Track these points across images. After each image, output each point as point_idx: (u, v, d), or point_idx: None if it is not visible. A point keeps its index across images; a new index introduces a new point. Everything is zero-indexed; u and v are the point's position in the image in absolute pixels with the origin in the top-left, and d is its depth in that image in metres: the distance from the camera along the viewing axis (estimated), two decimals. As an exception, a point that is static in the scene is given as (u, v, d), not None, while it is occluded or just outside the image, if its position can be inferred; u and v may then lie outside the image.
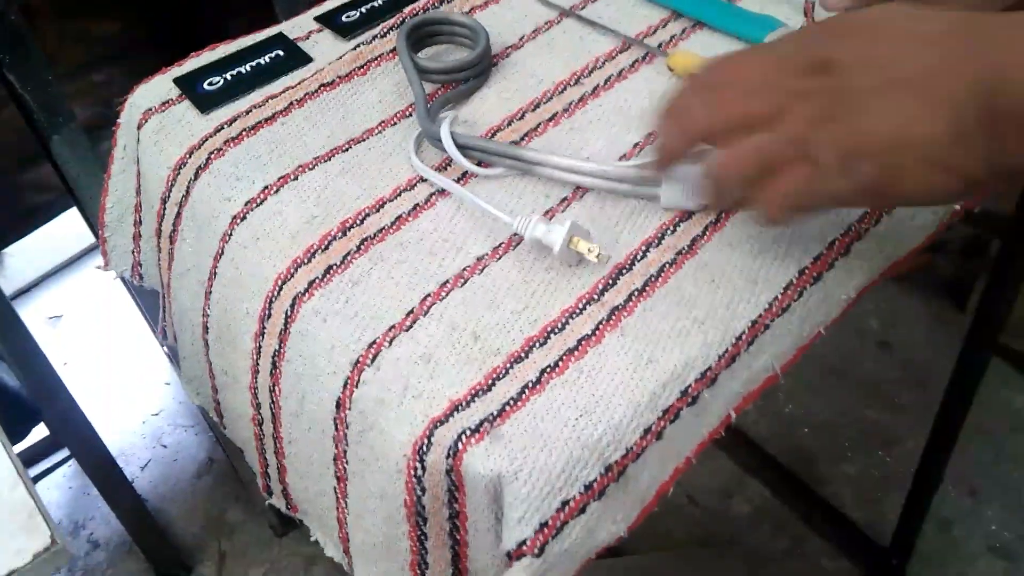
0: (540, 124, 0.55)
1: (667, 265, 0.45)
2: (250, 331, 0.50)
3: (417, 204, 0.51)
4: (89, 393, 1.19)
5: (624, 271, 0.45)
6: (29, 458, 1.37)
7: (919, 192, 0.35)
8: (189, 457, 1.48)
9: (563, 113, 0.56)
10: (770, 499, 1.27)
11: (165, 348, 0.76)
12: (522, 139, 0.54)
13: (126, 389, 1.58)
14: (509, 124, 0.55)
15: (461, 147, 0.52)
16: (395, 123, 0.57)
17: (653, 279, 0.44)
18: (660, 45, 0.60)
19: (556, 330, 0.43)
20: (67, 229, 1.47)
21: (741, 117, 0.38)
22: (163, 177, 0.56)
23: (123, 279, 0.67)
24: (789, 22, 0.58)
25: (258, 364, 0.50)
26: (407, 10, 0.65)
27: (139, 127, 0.59)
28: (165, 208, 0.57)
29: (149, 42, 1.28)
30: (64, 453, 1.38)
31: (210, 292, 0.53)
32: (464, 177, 0.52)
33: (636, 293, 0.44)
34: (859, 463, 1.31)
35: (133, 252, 0.64)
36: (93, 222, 0.89)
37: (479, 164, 0.52)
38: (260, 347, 0.49)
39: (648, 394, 0.39)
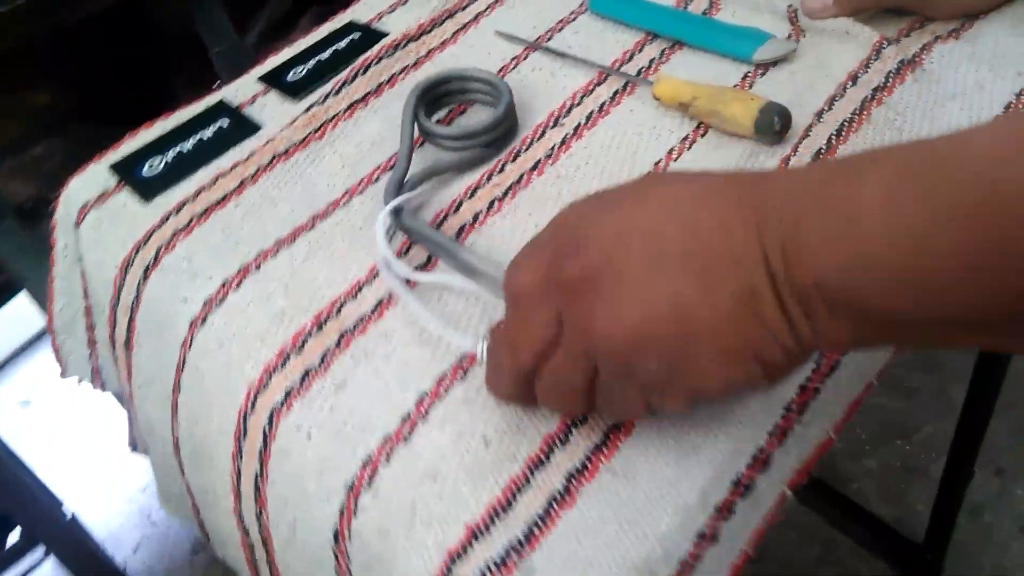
0: (523, 176, 0.50)
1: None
2: (226, 451, 0.44)
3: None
4: (68, 477, 1.12)
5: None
6: (10, 556, 1.29)
7: (719, 386, 0.30)
8: (183, 532, 1.41)
9: (546, 160, 0.50)
10: (793, 504, 1.23)
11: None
12: (505, 195, 0.49)
13: (108, 467, 1.50)
14: (488, 179, 0.50)
15: (414, 234, 0.46)
16: (363, 190, 0.51)
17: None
18: (640, 72, 0.55)
19: (577, 423, 0.37)
20: (27, 308, 1.40)
21: (534, 357, 0.33)
22: (109, 279, 0.51)
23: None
24: (775, 32, 0.54)
25: (239, 487, 0.44)
26: (358, 63, 0.60)
27: (78, 224, 0.53)
28: (116, 314, 0.51)
29: (89, 109, 1.21)
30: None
31: (177, 406, 0.47)
32: (428, 264, 0.46)
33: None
34: (880, 455, 1.27)
35: (90, 358, 0.57)
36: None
37: (429, 259, 0.46)
38: (239, 468, 0.43)
39: (698, 491, 0.34)
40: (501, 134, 0.51)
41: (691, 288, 0.28)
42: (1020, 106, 0.44)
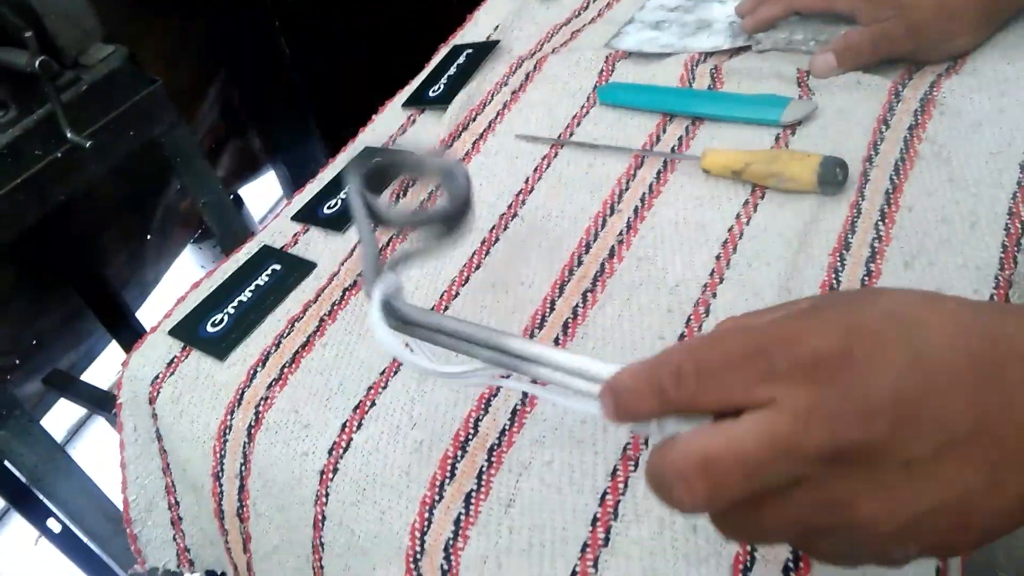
0: (604, 264, 0.51)
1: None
2: (396, 601, 0.41)
3: (525, 391, 0.45)
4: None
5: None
6: None
7: (960, 552, 0.29)
8: None
9: (620, 246, 0.52)
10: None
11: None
12: (594, 286, 0.50)
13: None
14: (570, 273, 0.51)
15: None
16: (446, 307, 0.51)
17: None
18: (673, 149, 0.58)
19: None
20: None
21: (753, 488, 0.27)
22: (207, 450, 0.48)
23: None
24: (789, 95, 0.58)
25: (418, 637, 0.41)
26: (396, 185, 0.60)
27: (151, 400, 0.50)
28: (221, 484, 0.48)
29: (26, 284, 1.15)
30: None
31: (322, 567, 0.44)
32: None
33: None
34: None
35: (175, 539, 0.53)
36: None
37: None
38: (418, 615, 0.41)
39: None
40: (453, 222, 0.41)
41: (980, 482, 0.26)
42: (1046, 122, 0.49)
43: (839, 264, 0.47)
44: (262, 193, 1.89)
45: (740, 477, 0.26)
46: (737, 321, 0.33)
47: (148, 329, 0.54)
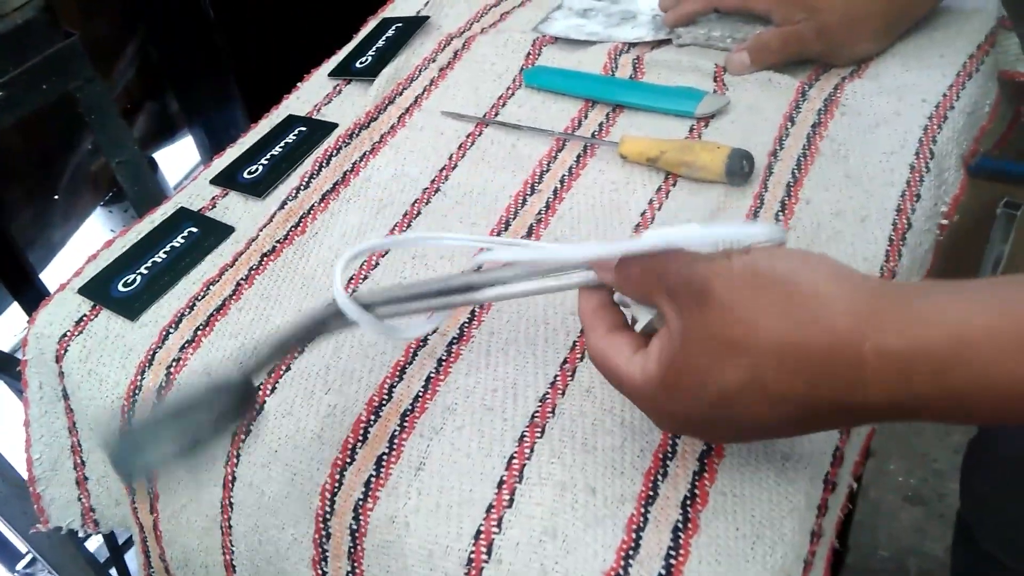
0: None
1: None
2: (304, 559, 0.42)
3: (441, 359, 0.46)
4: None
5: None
6: None
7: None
8: None
9: (538, 224, 0.53)
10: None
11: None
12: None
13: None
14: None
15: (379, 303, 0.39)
16: (364, 276, 0.52)
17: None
18: (594, 135, 0.60)
19: (668, 456, 0.40)
20: None
21: None
22: (116, 410, 0.47)
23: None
24: (700, 88, 0.60)
25: (324, 594, 0.42)
26: (318, 154, 0.60)
27: (58, 359, 0.50)
28: (128, 445, 0.47)
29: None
30: None
31: (230, 526, 0.44)
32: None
33: (725, 393, 0.42)
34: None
35: (80, 499, 0.53)
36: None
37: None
38: (325, 573, 0.42)
39: (803, 494, 0.38)
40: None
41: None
42: (936, 129, 0.53)
43: (742, 250, 0.49)
44: (177, 159, 1.83)
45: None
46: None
47: (53, 290, 0.53)
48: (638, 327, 0.36)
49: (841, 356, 0.29)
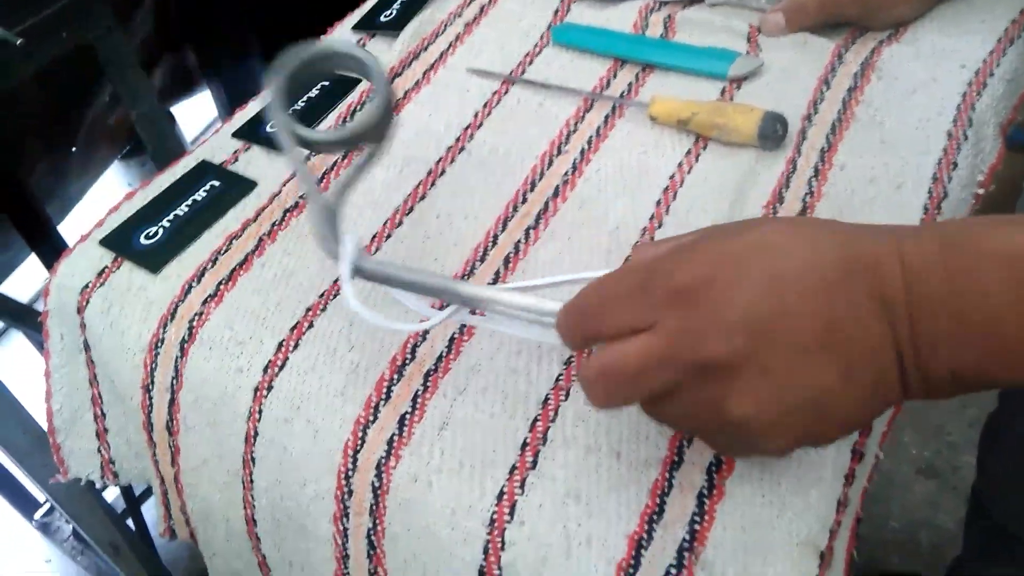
0: (548, 203, 0.52)
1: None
2: (326, 514, 0.42)
3: (463, 324, 0.46)
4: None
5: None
6: None
7: (824, 443, 0.33)
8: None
9: (564, 186, 0.53)
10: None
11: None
12: (537, 223, 0.50)
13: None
14: (514, 209, 0.51)
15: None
16: (388, 234, 0.51)
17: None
18: (622, 95, 0.58)
19: (694, 423, 0.40)
20: None
21: (638, 394, 0.33)
22: (138, 362, 0.47)
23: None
24: (738, 50, 0.59)
25: (346, 549, 0.42)
26: (343, 108, 0.59)
27: (79, 310, 0.49)
28: (151, 396, 0.47)
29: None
30: None
31: (251, 481, 0.45)
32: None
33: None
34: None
35: (100, 451, 0.53)
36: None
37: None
38: (346, 529, 0.42)
39: (830, 463, 0.37)
40: (380, 135, 0.42)
41: (833, 380, 0.30)
42: (974, 96, 0.52)
43: (772, 216, 0.48)
44: (193, 114, 1.82)
45: (625, 382, 0.32)
46: (640, 251, 0.38)
47: (70, 243, 0.53)
48: None
49: (871, 258, 0.30)
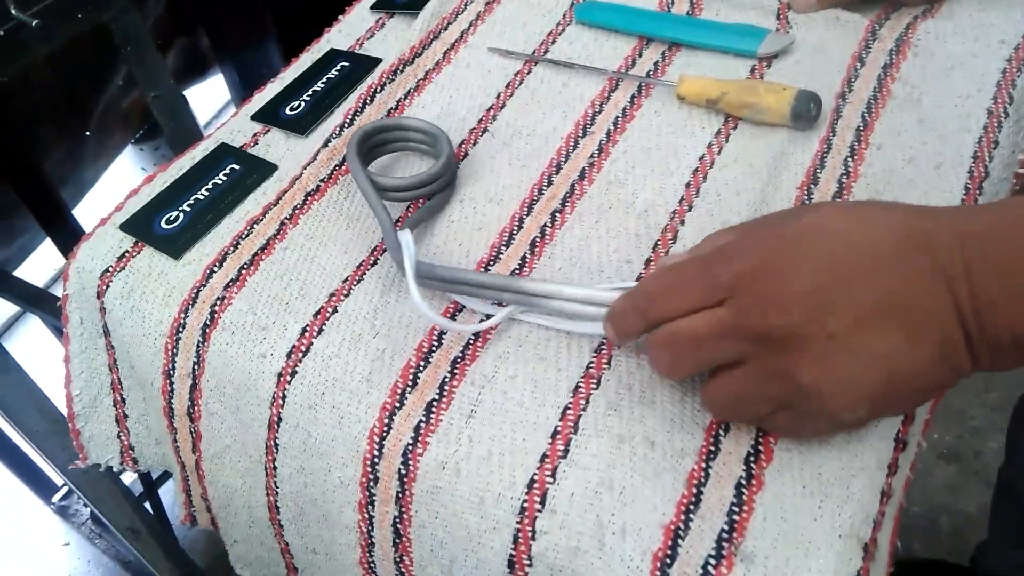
0: (574, 186, 0.50)
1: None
2: (350, 502, 0.42)
3: (488, 314, 0.45)
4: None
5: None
6: None
7: (900, 410, 0.36)
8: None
9: (590, 168, 0.51)
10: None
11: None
12: (563, 207, 0.49)
13: (20, 559, 1.35)
14: (540, 192, 0.50)
15: (450, 281, 0.44)
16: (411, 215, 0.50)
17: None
18: (648, 74, 0.57)
19: (730, 410, 0.39)
20: None
21: (702, 366, 0.36)
22: (159, 348, 0.47)
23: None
24: (767, 27, 0.57)
25: (371, 536, 0.42)
26: (362, 90, 0.58)
27: (99, 294, 0.49)
28: (172, 382, 0.47)
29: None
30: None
31: (275, 467, 0.44)
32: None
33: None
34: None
35: (120, 437, 0.52)
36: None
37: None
38: (371, 517, 0.41)
39: (873, 453, 0.36)
40: (446, 183, 0.50)
41: (899, 344, 0.31)
42: (1015, 72, 0.50)
43: (806, 198, 0.47)
44: (207, 98, 1.81)
45: (693, 348, 0.34)
46: (705, 241, 0.39)
47: (85, 228, 0.52)
48: None
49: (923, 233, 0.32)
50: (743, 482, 0.36)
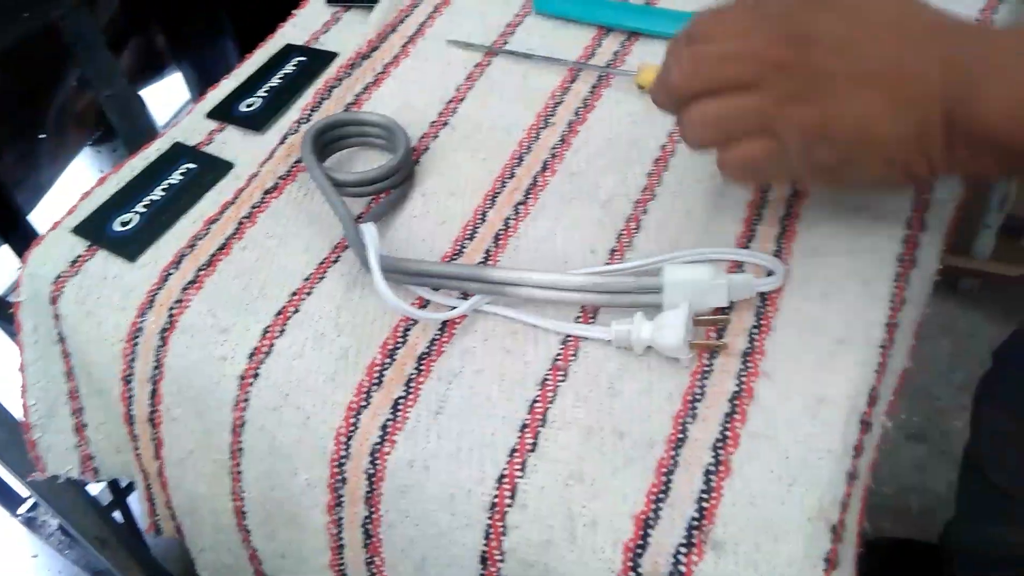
0: (536, 177, 0.50)
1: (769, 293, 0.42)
2: (318, 504, 0.41)
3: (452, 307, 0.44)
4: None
5: (727, 310, 0.42)
6: None
7: (867, 181, 0.39)
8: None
9: (552, 159, 0.51)
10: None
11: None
12: (526, 199, 0.49)
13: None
14: (503, 185, 0.50)
15: (417, 275, 0.44)
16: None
17: (763, 310, 0.41)
18: (608, 64, 0.57)
19: (696, 398, 0.39)
20: None
21: (715, 82, 0.38)
22: (116, 353, 0.45)
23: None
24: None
25: (341, 538, 0.41)
26: (319, 85, 0.57)
27: (53, 300, 0.47)
28: (132, 388, 0.46)
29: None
30: None
31: (240, 472, 0.43)
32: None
33: (755, 330, 0.41)
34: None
35: (78, 447, 0.51)
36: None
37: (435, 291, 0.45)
38: (341, 519, 0.41)
39: (839, 436, 0.36)
40: (404, 177, 0.50)
41: (884, 108, 0.34)
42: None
43: (762, 193, 0.47)
44: (165, 99, 1.78)
45: (712, 62, 0.38)
46: None
47: (41, 231, 0.50)
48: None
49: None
50: (711, 469, 0.36)
